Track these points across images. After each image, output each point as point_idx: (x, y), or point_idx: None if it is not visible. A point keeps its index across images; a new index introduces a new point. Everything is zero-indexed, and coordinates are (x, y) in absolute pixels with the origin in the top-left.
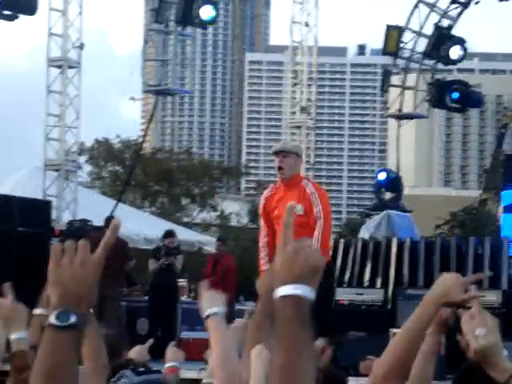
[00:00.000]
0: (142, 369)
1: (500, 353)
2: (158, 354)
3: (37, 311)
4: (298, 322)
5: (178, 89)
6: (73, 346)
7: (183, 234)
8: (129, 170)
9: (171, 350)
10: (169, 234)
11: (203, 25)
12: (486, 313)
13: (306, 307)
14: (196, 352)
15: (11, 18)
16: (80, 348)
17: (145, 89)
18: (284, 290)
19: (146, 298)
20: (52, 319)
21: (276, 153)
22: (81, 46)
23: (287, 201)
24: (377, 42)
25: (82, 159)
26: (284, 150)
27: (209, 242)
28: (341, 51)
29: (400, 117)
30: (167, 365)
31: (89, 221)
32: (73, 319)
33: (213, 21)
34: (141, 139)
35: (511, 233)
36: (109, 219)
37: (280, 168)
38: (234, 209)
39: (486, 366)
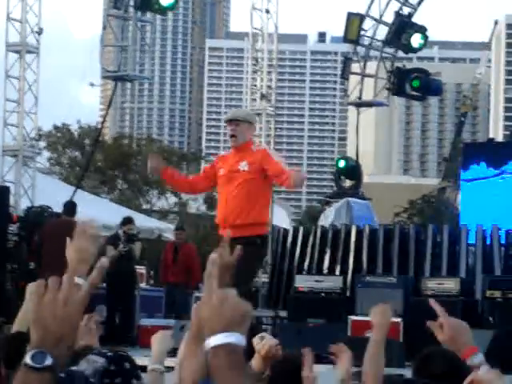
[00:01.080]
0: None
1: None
2: (116, 340)
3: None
4: (233, 369)
5: (137, 75)
6: None
7: (142, 221)
8: (87, 156)
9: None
10: (127, 220)
11: (162, 11)
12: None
13: (240, 354)
14: None
15: None
16: None
17: (103, 74)
18: (215, 340)
19: (105, 284)
20: (27, 359)
21: (229, 121)
22: (39, 32)
23: (233, 161)
24: (337, 29)
25: (41, 145)
26: (236, 119)
27: (168, 229)
28: (301, 38)
29: (360, 104)
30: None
31: (48, 207)
32: (48, 361)
33: (172, 7)
34: (100, 125)
35: (470, 215)
36: (67, 204)
37: (232, 136)
38: (196, 196)
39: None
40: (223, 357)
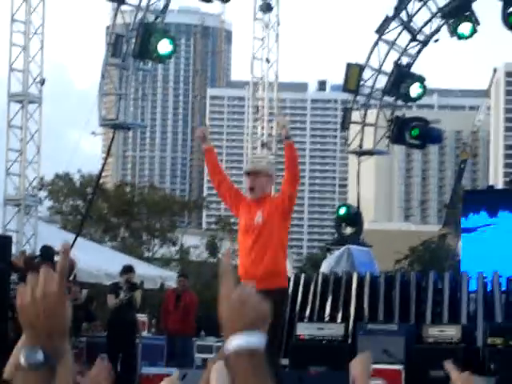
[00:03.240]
0: None
1: None
2: None
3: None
4: (257, 375)
5: (135, 123)
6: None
7: (145, 270)
8: (87, 204)
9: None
10: (128, 269)
11: (161, 59)
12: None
13: (262, 356)
14: None
15: None
16: None
17: (101, 123)
18: (237, 340)
19: (106, 333)
20: (21, 359)
21: (248, 173)
22: (42, 82)
23: (250, 213)
24: (337, 77)
25: (42, 194)
26: (255, 171)
27: (170, 277)
28: (301, 87)
29: (360, 153)
30: None
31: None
32: (39, 356)
33: (170, 55)
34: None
35: (471, 262)
36: (44, 249)
37: (251, 188)
38: (194, 243)
39: None
40: (246, 361)
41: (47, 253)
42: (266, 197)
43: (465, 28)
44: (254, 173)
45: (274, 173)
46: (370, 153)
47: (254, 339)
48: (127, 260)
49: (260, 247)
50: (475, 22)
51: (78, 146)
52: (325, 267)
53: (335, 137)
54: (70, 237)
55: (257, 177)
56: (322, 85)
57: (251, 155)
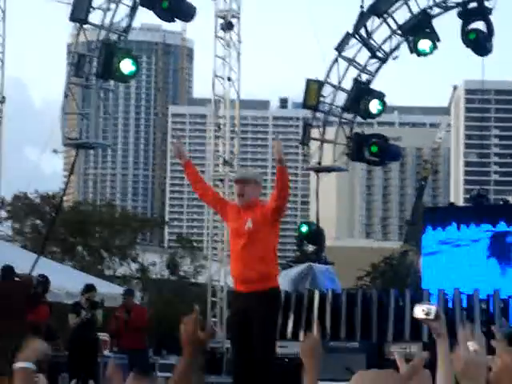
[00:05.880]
0: None
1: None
2: None
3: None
4: None
5: (99, 142)
6: None
7: (106, 288)
8: (49, 224)
9: None
10: (89, 288)
11: (124, 79)
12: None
13: None
14: None
15: None
16: None
17: (65, 142)
18: None
19: (67, 352)
20: None
21: (237, 181)
22: (2, 100)
23: (240, 218)
24: (299, 95)
25: (3, 214)
26: (244, 179)
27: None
28: (263, 104)
29: (319, 169)
30: None
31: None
32: None
33: (133, 75)
34: (61, 192)
35: (431, 279)
36: (4, 269)
37: (241, 195)
38: (154, 261)
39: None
40: None
41: (8, 272)
42: (255, 203)
43: (425, 44)
44: (243, 181)
45: (262, 181)
46: (328, 169)
47: None
48: (88, 279)
49: (253, 251)
50: (435, 39)
51: (39, 165)
52: (283, 282)
53: (297, 154)
54: (31, 256)
55: (246, 184)
56: (283, 102)
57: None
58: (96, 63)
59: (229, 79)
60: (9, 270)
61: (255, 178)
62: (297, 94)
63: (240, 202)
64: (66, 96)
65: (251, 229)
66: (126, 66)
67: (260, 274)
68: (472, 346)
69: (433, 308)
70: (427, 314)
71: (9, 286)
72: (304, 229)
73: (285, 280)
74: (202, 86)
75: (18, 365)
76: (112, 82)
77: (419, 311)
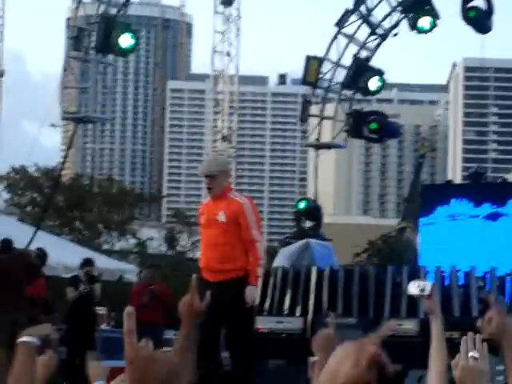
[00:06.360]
0: None
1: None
2: (76, 382)
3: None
4: None
5: (98, 116)
6: None
7: (104, 263)
8: (47, 197)
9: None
10: (87, 262)
11: (123, 53)
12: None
13: None
14: None
15: None
16: None
17: (64, 116)
18: None
19: (64, 326)
20: None
21: (203, 175)
22: (1, 74)
23: (214, 209)
24: (298, 71)
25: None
26: (209, 174)
27: (129, 270)
28: (262, 80)
29: (318, 146)
30: None
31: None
32: None
33: (132, 49)
34: (60, 166)
35: (428, 249)
36: (3, 242)
37: (209, 188)
38: (152, 236)
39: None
40: None
41: (6, 245)
42: (226, 193)
43: (425, 22)
44: (209, 175)
45: (228, 167)
46: (327, 146)
47: None
48: (86, 253)
49: (222, 244)
50: (435, 16)
51: (37, 139)
52: (281, 258)
53: (295, 130)
54: (28, 229)
55: (212, 178)
56: (282, 78)
57: (207, 155)
58: (95, 37)
59: (228, 54)
60: (7, 242)
61: (220, 168)
62: (295, 70)
63: (211, 195)
64: (64, 70)
65: (224, 221)
66: (125, 40)
67: (231, 266)
68: (473, 354)
69: (428, 284)
70: (422, 290)
71: (8, 259)
72: (302, 205)
73: (282, 256)
74: (200, 61)
75: (22, 339)
76: (111, 57)
77: (414, 287)
